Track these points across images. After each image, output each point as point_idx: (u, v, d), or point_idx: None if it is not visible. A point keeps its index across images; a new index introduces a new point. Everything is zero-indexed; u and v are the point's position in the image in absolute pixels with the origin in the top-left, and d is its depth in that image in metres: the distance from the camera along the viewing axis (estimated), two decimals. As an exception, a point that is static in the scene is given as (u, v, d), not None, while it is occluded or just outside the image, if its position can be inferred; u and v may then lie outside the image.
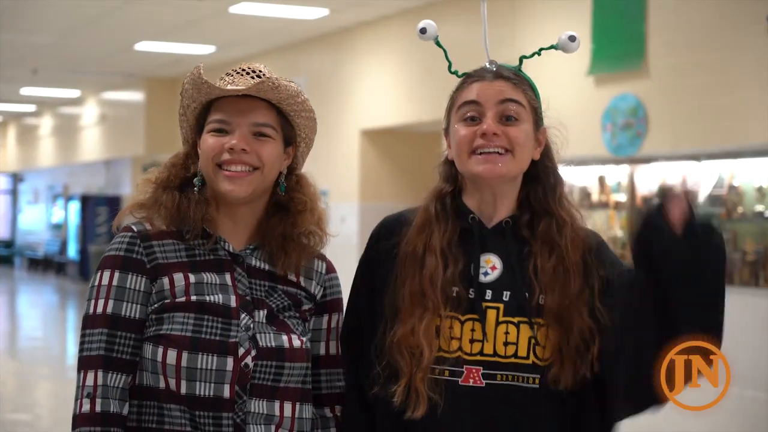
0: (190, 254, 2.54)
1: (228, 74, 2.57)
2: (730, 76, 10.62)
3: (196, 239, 2.55)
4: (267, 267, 2.60)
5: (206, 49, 18.82)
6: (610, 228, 12.17)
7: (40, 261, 31.99)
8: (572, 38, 2.81)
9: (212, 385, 2.43)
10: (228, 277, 2.53)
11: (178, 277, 2.50)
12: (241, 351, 2.46)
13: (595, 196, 12.38)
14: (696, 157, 11.02)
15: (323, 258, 2.72)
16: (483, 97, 2.56)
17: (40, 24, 16.77)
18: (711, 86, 10.77)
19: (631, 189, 11.85)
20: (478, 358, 2.44)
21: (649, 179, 11.70)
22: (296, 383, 2.55)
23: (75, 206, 28.54)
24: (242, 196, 2.52)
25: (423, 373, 2.43)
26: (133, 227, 2.55)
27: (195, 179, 2.58)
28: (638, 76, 11.53)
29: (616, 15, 11.77)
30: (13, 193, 36.89)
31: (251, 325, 2.50)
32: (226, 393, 2.43)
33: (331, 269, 2.73)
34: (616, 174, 12.07)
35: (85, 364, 2.47)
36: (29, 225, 34.70)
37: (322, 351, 2.68)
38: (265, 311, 2.54)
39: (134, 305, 2.48)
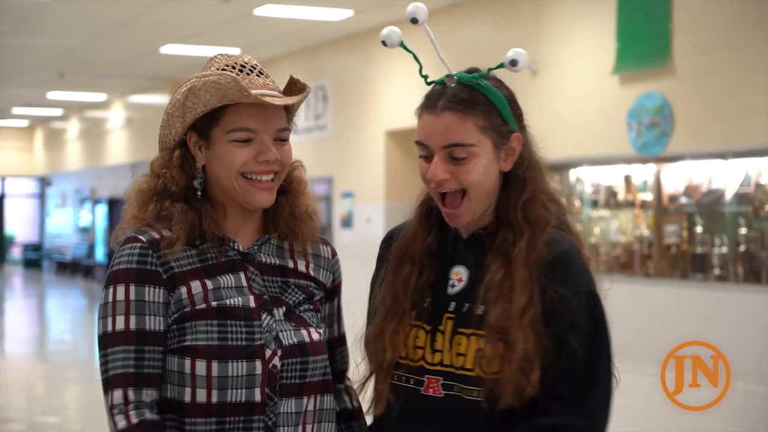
0: (202, 259, 2.47)
1: (231, 70, 2.50)
2: (756, 74, 10.58)
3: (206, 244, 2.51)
4: (277, 261, 2.58)
5: (231, 52, 18.77)
6: (637, 227, 12.15)
7: (68, 264, 32.14)
8: (513, 63, 2.63)
9: (243, 391, 2.40)
10: (242, 277, 2.49)
11: (195, 284, 2.43)
12: (268, 353, 2.43)
13: (622, 195, 12.36)
14: (722, 156, 10.99)
15: (327, 243, 2.74)
16: (429, 139, 2.49)
17: (66, 28, 16.86)
18: (737, 84, 10.74)
19: (658, 188, 11.82)
20: (439, 368, 2.48)
21: (676, 178, 11.67)
22: (319, 376, 2.54)
23: (102, 209, 28.70)
24: (271, 203, 2.53)
25: (384, 375, 2.53)
26: (141, 237, 2.43)
27: (196, 182, 2.51)
28: (664, 75, 11.50)
29: (641, 14, 11.73)
30: (41, 197, 37.08)
31: (273, 325, 2.47)
32: (257, 397, 2.42)
33: (334, 253, 2.74)
34: (642, 173, 12.04)
35: (112, 383, 2.37)
36: (57, 228, 34.87)
37: (336, 333, 2.71)
38: (284, 308, 2.51)
39: (157, 318, 2.40)
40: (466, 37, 14.28)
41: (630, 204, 12.27)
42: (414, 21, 2.67)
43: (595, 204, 12.76)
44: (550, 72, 13.02)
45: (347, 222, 17.40)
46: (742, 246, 10.95)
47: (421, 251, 2.59)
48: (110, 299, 2.40)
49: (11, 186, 37.10)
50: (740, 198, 10.95)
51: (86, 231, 31.26)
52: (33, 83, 23.52)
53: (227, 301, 2.44)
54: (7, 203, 36.91)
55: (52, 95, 25.81)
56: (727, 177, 11.05)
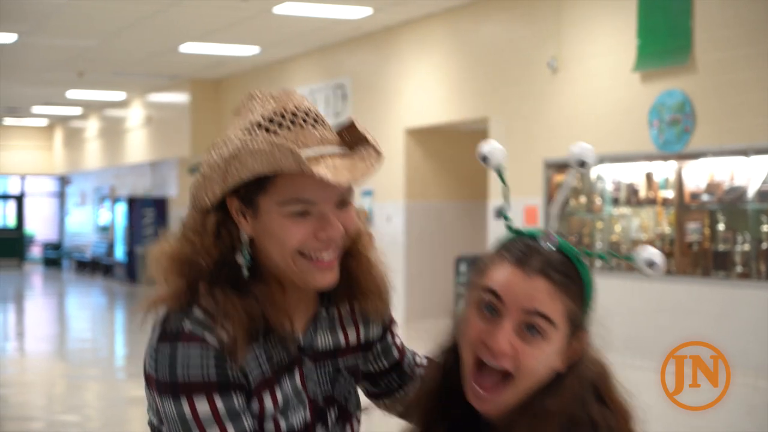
0: (270, 360, 2.09)
1: (282, 123, 2.04)
2: (779, 71, 10.52)
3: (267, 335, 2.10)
4: (331, 342, 2.21)
5: (250, 50, 18.87)
6: (658, 225, 12.09)
7: (87, 263, 32.22)
8: (650, 263, 2.07)
9: None
10: (297, 377, 2.13)
11: (268, 400, 2.08)
12: None
13: (643, 193, 12.29)
14: (744, 152, 10.92)
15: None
16: (509, 295, 2.00)
17: (85, 27, 16.88)
18: (758, 81, 10.67)
19: (679, 185, 11.76)
20: None
21: (697, 175, 11.61)
22: None
23: (122, 208, 28.74)
24: (335, 282, 2.11)
25: None
26: (207, 338, 2.00)
27: (241, 257, 2.07)
28: (685, 72, 11.44)
29: (662, 10, 11.67)
30: (61, 196, 37.20)
31: None
32: None
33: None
34: (664, 170, 11.98)
35: None
36: (76, 227, 34.97)
37: (396, 358, 2.41)
38: (336, 409, 2.22)
39: (251, 421, 2.05)
40: (486, 35, 14.22)
41: (651, 201, 12.21)
42: (582, 164, 2.11)
43: (616, 202, 12.70)
44: (570, 69, 12.96)
45: (367, 220, 17.38)
46: (765, 243, 10.88)
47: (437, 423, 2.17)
48: (188, 414, 1.99)
49: (31, 185, 37.23)
50: (762, 195, 10.88)
51: (106, 230, 31.33)
52: (52, 82, 23.57)
53: (293, 422, 2.11)
54: (27, 202, 37.04)
55: (72, 94, 25.87)
56: (749, 174, 10.98)
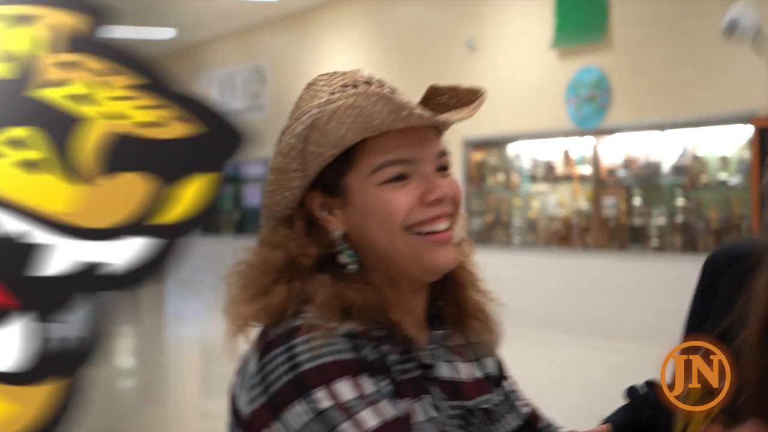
0: (394, 369, 1.65)
1: (353, 89, 1.70)
2: (693, 47, 10.66)
3: (387, 342, 1.66)
4: (449, 371, 1.77)
5: (166, 33, 18.70)
6: (575, 200, 12.23)
7: None
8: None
9: None
10: (426, 403, 1.68)
11: (419, 408, 1.66)
12: None
13: (560, 169, 12.42)
14: (660, 127, 11.08)
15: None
16: None
17: None
18: (674, 57, 10.82)
19: (596, 161, 11.90)
20: None
21: (614, 151, 11.76)
22: None
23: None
24: (458, 262, 1.74)
25: None
26: (331, 327, 1.58)
27: (343, 256, 1.68)
28: (601, 49, 11.57)
29: (577, -13, 11.78)
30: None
31: None
32: None
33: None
34: (581, 146, 12.11)
35: None
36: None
37: (527, 410, 1.92)
38: None
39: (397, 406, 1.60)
40: (404, 15, 14.23)
41: (568, 178, 12.34)
42: (733, 29, 1.63)
43: (533, 178, 12.82)
44: (488, 47, 13.03)
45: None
46: (679, 217, 11.06)
47: None
48: (324, 404, 1.52)
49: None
50: (677, 169, 11.05)
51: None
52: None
53: None
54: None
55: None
56: (664, 149, 11.14)
